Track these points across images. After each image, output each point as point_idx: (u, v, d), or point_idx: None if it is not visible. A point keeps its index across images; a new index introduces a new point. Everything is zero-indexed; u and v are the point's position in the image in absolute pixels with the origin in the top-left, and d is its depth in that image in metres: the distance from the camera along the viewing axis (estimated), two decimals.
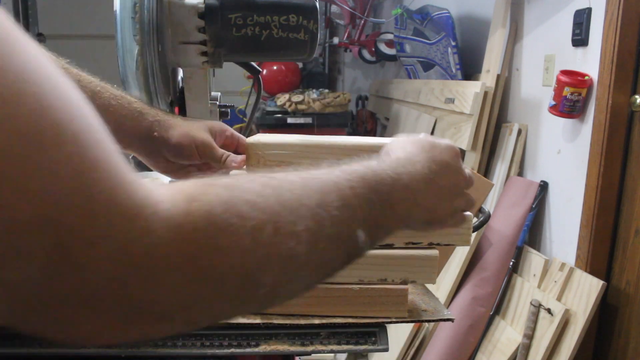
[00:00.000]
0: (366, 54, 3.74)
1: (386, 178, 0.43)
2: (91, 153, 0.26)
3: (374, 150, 0.59)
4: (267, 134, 0.63)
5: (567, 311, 1.69)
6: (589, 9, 1.76)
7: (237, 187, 0.33)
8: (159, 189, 0.30)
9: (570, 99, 1.74)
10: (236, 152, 0.74)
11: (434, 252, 0.68)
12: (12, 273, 0.24)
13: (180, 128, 0.70)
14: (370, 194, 0.40)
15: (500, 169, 2.17)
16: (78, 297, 0.26)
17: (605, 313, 1.74)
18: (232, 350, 0.67)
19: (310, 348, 0.68)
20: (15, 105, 0.23)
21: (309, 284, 0.38)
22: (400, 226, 0.45)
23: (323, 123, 3.26)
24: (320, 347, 0.68)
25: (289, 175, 0.37)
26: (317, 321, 0.69)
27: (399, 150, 0.48)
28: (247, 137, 0.69)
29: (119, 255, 0.26)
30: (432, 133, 2.52)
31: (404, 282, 0.69)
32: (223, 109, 1.06)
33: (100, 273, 0.26)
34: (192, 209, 0.29)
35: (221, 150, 0.72)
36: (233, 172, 0.69)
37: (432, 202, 0.47)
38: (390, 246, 0.62)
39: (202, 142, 0.70)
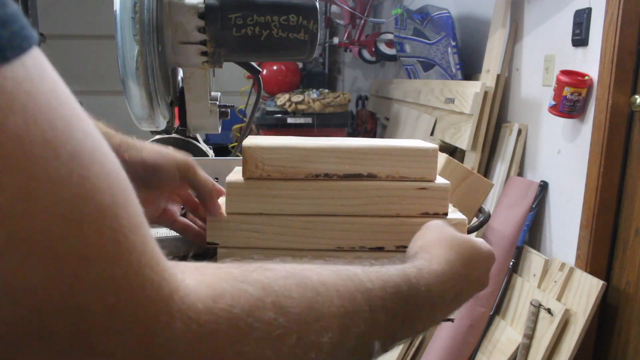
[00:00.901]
0: (366, 54, 3.74)
1: (417, 296, 0.41)
2: (127, 240, 0.26)
3: (375, 153, 0.57)
4: (264, 137, 0.61)
5: (567, 311, 1.69)
6: (589, 9, 1.76)
7: (269, 286, 0.31)
8: (186, 279, 0.29)
9: (570, 99, 1.74)
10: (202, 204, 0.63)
11: None
12: (28, 355, 0.24)
13: (153, 148, 0.61)
14: (398, 309, 0.39)
15: (500, 169, 2.17)
16: None
17: (605, 313, 1.74)
18: None
19: None
20: (61, 188, 0.23)
21: None
22: (409, 337, 0.44)
23: (323, 123, 3.26)
24: None
25: (323, 274, 0.35)
26: None
27: (442, 255, 0.47)
28: (247, 137, 0.67)
29: (139, 349, 0.26)
30: (432, 133, 2.52)
31: None
32: (223, 109, 1.06)
33: None
34: (217, 309, 0.28)
35: (205, 175, 0.62)
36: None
37: (448, 312, 0.47)
38: (381, 249, 0.61)
39: (184, 161, 0.60)
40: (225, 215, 0.57)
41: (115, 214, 0.25)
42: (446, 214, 0.59)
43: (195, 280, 0.29)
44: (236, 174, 0.59)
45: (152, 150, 0.60)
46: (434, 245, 0.48)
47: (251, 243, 0.57)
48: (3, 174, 0.22)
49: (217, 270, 0.32)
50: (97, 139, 0.26)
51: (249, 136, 0.62)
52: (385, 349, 0.40)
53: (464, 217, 0.59)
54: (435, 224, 0.53)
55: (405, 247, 0.66)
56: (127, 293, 0.25)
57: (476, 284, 0.49)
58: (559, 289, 1.77)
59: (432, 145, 0.60)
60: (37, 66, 0.24)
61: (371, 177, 0.58)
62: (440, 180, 0.60)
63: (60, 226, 0.23)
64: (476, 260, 0.49)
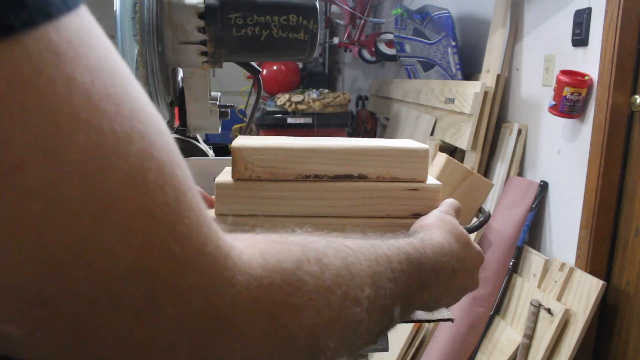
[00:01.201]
0: (366, 54, 3.74)
1: (426, 263, 0.43)
2: (186, 198, 0.25)
3: (366, 154, 0.57)
4: (254, 137, 0.60)
5: (567, 311, 1.69)
6: (589, 9, 1.76)
7: (306, 246, 0.32)
8: (234, 241, 0.29)
9: (570, 99, 1.74)
10: None
11: None
12: (98, 323, 0.23)
13: None
14: (412, 273, 0.41)
15: (500, 169, 2.17)
16: (157, 347, 0.25)
17: (605, 313, 1.74)
18: None
19: None
20: (126, 144, 0.23)
21: (355, 352, 0.37)
22: (416, 309, 0.46)
23: (323, 123, 3.26)
24: None
25: (346, 241, 0.37)
26: None
27: (441, 234, 0.49)
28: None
29: (205, 307, 0.25)
30: (432, 133, 2.52)
31: None
32: (223, 109, 1.06)
33: (183, 324, 0.25)
34: (269, 265, 0.29)
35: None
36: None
37: (446, 290, 0.48)
38: None
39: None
40: (215, 216, 0.56)
41: (173, 172, 0.25)
42: None
43: (240, 241, 0.29)
44: (225, 175, 0.58)
45: None
46: (433, 225, 0.51)
47: None
48: (75, 130, 0.21)
49: (254, 235, 0.32)
50: (146, 98, 0.26)
51: (239, 136, 0.61)
52: (404, 314, 0.41)
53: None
54: (436, 211, 0.55)
55: None
56: (192, 251, 0.25)
57: (470, 277, 0.50)
58: (559, 289, 1.77)
59: (423, 145, 0.59)
60: (91, 20, 0.24)
61: (362, 178, 0.57)
62: (431, 181, 0.59)
63: (128, 183, 0.23)
64: (470, 250, 0.51)
